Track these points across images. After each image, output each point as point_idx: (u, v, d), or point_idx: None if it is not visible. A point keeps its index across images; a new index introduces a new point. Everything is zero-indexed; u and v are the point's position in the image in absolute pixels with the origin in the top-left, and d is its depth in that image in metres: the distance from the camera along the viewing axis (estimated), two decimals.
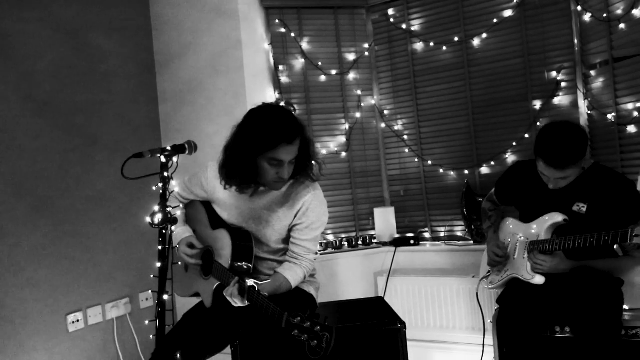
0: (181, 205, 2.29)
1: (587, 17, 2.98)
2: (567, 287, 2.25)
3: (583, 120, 3.08)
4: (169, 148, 1.85)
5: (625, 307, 2.26)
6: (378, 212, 3.57)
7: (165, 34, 3.57)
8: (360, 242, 3.56)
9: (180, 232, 2.20)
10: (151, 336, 1.91)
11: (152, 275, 1.89)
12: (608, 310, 2.12)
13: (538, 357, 2.25)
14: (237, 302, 1.92)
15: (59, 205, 2.95)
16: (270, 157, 1.97)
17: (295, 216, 2.10)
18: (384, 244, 3.51)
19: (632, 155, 2.81)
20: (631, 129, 2.79)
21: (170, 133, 3.56)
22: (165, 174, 1.83)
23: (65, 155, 3.00)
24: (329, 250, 3.48)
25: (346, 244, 3.55)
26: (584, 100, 3.06)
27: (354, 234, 3.64)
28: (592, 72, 3.03)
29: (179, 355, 1.98)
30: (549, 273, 2.24)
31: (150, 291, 3.40)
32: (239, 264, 2.06)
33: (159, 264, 1.80)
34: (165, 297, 1.81)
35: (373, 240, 3.58)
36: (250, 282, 1.89)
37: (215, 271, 2.10)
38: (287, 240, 2.16)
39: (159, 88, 3.63)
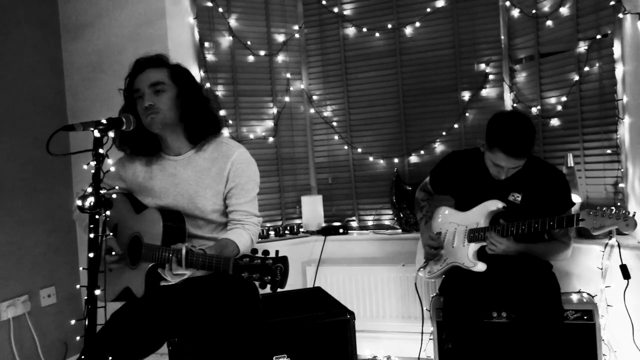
0: (116, 187, 2.03)
1: (515, 12, 3.08)
2: (506, 274, 2.30)
3: None
4: (104, 121, 1.63)
5: None
6: (305, 200, 3.47)
7: None
8: (287, 231, 3.43)
9: None
10: (77, 337, 1.67)
11: (81, 268, 1.66)
12: (550, 295, 2.20)
13: (477, 342, 2.28)
14: (177, 275, 1.74)
15: None
16: (134, 92, 1.95)
17: (227, 179, 1.97)
18: (312, 232, 3.42)
19: (555, 147, 2.95)
20: (554, 122, 2.93)
21: (79, 110, 3.18)
22: (100, 151, 1.60)
23: None
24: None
25: (273, 233, 3.41)
26: (510, 93, 3.17)
27: (280, 223, 3.50)
28: (518, 67, 3.14)
29: (110, 359, 1.74)
30: (494, 256, 2.26)
31: (53, 287, 3.04)
32: (172, 238, 1.88)
33: (90, 254, 1.57)
34: (97, 292, 1.58)
35: (300, 229, 3.47)
36: (184, 247, 1.71)
37: (145, 254, 1.90)
38: (223, 213, 2.02)
39: (66, 59, 3.23)
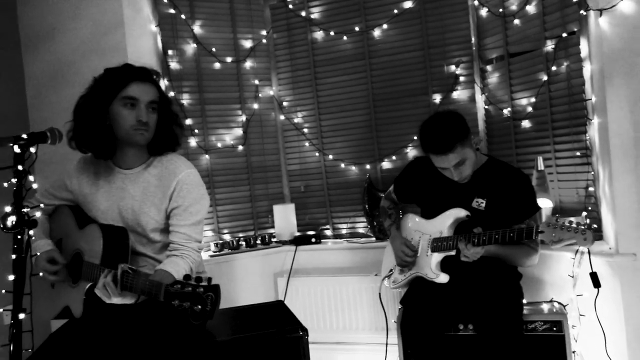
0: (42, 205, 1.96)
1: (483, 11, 3.00)
2: (469, 285, 2.21)
3: (480, 115, 3.11)
4: (24, 136, 1.55)
5: (524, 300, 2.26)
6: (277, 209, 3.38)
7: (34, 8, 3.12)
8: (259, 242, 3.35)
9: (40, 244, 1.91)
10: None
11: (3, 291, 1.58)
12: (509, 307, 2.11)
13: (442, 356, 2.19)
14: (111, 295, 1.67)
15: None
16: (124, 97, 1.82)
17: (171, 199, 1.89)
18: (284, 242, 3.33)
19: (526, 150, 2.85)
20: (525, 124, 2.84)
21: (42, 122, 3.10)
22: (20, 168, 1.53)
23: None
24: (226, 250, 3.23)
25: (244, 243, 3.31)
26: (481, 94, 3.08)
27: (252, 233, 3.42)
28: (489, 67, 3.05)
29: None
30: (458, 267, 2.16)
31: None
32: (114, 257, 1.80)
33: (12, 277, 1.50)
34: (22, 315, 1.51)
35: (272, 239, 3.38)
36: (121, 268, 1.65)
37: (85, 272, 1.83)
38: (165, 230, 1.94)
39: (27, 70, 3.17)
